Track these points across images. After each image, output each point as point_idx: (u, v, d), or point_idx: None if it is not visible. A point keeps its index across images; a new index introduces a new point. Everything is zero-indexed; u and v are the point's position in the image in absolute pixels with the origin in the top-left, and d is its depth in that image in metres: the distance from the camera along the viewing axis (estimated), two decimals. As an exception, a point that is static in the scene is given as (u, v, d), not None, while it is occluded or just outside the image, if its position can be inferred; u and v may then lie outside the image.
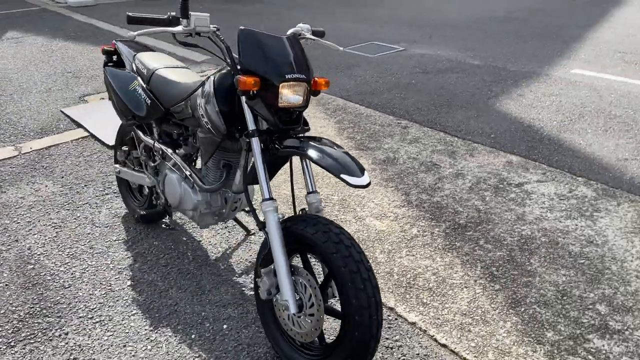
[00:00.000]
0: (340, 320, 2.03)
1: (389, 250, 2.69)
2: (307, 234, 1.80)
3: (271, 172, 2.03)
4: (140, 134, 2.65)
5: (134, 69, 2.62)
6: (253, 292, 2.45)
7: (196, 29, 1.96)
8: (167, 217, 2.81)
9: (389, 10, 9.51)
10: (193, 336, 2.20)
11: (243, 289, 2.49)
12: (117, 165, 2.97)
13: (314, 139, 1.90)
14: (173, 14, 2.03)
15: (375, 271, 2.53)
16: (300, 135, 1.96)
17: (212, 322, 2.28)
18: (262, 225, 1.96)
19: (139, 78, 2.54)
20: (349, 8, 9.84)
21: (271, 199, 1.89)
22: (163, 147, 2.48)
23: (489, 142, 3.94)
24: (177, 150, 2.46)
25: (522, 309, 2.30)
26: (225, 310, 2.35)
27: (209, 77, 2.13)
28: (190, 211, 2.39)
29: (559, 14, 8.74)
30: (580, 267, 2.55)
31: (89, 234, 2.88)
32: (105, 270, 2.61)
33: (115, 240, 2.84)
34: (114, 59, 2.83)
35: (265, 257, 1.99)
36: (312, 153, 1.80)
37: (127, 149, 2.90)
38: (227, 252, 2.77)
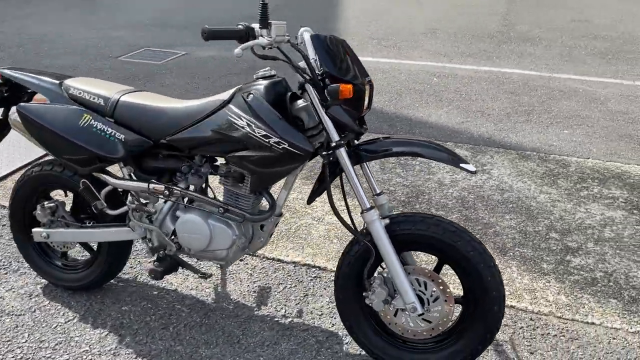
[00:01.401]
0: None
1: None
2: (428, 233, 1.84)
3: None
4: (112, 179, 2.16)
5: (69, 101, 2.11)
6: (293, 320, 2.31)
7: (276, 39, 1.76)
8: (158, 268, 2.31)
9: (127, 15, 8.96)
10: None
11: (275, 318, 2.31)
12: (40, 230, 2.33)
13: (388, 138, 1.93)
14: (244, 24, 1.76)
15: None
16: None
17: None
18: (357, 235, 1.90)
19: (88, 111, 2.07)
20: (81, 13, 8.90)
21: (372, 207, 1.86)
22: (158, 187, 2.08)
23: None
24: (178, 185, 2.10)
25: (511, 254, 2.73)
26: (282, 346, 2.17)
27: (235, 95, 1.91)
28: (224, 250, 2.10)
29: (296, 9, 9.58)
30: (514, 209, 3.12)
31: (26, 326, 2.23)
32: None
33: (68, 322, 2.27)
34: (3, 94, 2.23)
35: (371, 268, 1.94)
36: (420, 150, 1.84)
37: (52, 204, 2.31)
38: (218, 289, 2.49)
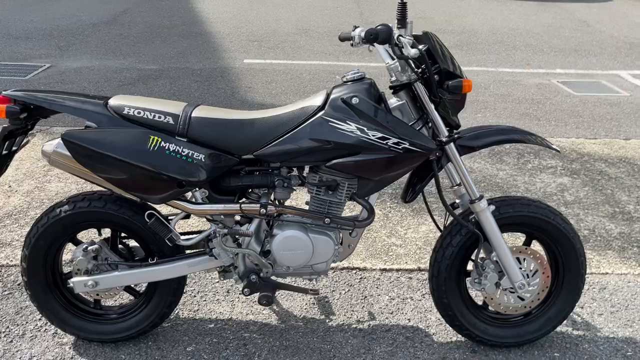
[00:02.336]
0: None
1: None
2: (534, 215, 2.00)
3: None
4: (190, 205, 1.91)
5: (124, 122, 1.85)
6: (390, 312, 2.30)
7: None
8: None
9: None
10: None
11: (351, 325, 2.30)
12: (83, 279, 1.98)
13: (476, 130, 2.04)
14: (382, 24, 1.72)
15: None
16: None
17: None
18: (468, 225, 1.97)
19: (154, 132, 1.83)
20: None
21: (482, 196, 1.96)
22: (252, 206, 1.91)
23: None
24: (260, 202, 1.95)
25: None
26: (378, 350, 2.17)
27: (330, 100, 1.85)
28: (324, 263, 2.01)
29: (155, 14, 9.01)
30: (489, 187, 3.44)
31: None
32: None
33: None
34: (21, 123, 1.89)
35: (485, 258, 2.03)
36: (516, 137, 1.98)
37: (95, 246, 1.99)
38: (275, 308, 2.37)
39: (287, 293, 2.44)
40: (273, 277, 2.09)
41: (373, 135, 1.82)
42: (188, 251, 2.07)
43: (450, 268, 2.05)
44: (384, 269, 2.65)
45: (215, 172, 1.87)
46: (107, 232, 2.11)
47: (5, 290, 2.43)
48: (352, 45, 2.13)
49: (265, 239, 2.00)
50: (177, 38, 7.23)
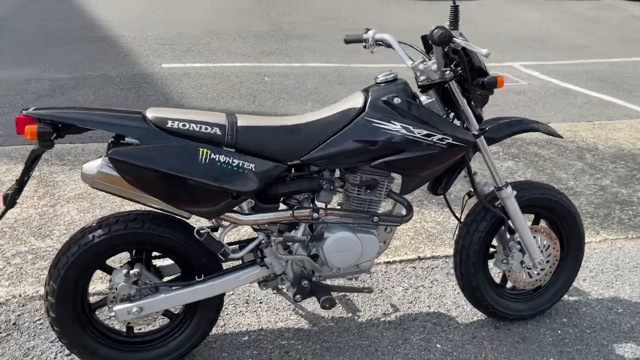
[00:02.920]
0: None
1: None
2: (545, 196, 2.21)
3: None
4: (242, 217, 1.86)
5: (168, 136, 1.77)
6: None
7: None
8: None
9: None
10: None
11: (380, 319, 2.38)
12: (128, 306, 1.85)
13: (495, 121, 2.21)
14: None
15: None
16: None
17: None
18: (497, 210, 2.13)
19: (202, 145, 1.78)
20: None
21: (508, 184, 2.12)
22: (304, 212, 1.91)
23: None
24: (300, 207, 1.96)
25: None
26: (413, 340, 2.28)
27: (369, 102, 1.91)
28: (370, 261, 2.06)
29: (44, 18, 8.23)
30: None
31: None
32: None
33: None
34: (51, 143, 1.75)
35: (509, 239, 2.20)
36: (535, 126, 2.17)
37: (135, 270, 1.88)
38: (300, 312, 2.37)
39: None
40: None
41: (419, 133, 1.90)
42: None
43: (478, 252, 2.20)
44: (388, 262, 2.75)
45: (266, 180, 1.84)
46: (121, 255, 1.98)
47: (1, 332, 2.17)
48: (364, 47, 2.21)
49: (310, 243, 2.01)
50: (79, 43, 6.74)
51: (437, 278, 2.65)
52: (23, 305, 2.33)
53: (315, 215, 1.92)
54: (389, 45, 2.13)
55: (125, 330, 2.01)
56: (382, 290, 2.54)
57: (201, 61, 6.33)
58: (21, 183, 1.75)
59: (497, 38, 8.34)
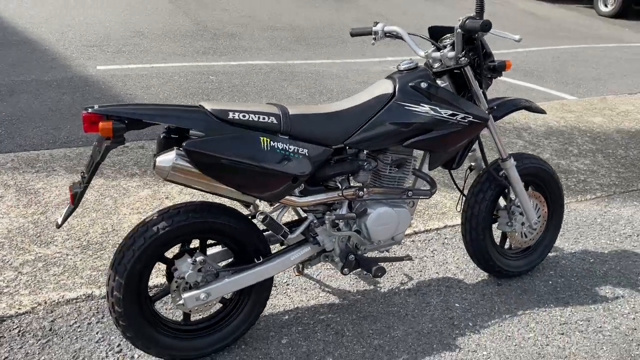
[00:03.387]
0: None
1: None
2: (536, 165, 2.54)
3: None
4: (298, 199, 2.00)
5: (230, 127, 1.88)
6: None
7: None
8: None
9: None
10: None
11: (404, 288, 2.61)
12: (196, 292, 1.94)
13: (494, 101, 2.50)
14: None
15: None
16: None
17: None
18: (502, 180, 2.42)
19: (262, 133, 1.91)
20: None
21: (511, 155, 2.43)
22: (349, 191, 2.09)
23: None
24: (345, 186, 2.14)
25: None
26: (451, 300, 2.54)
27: (399, 88, 2.12)
28: (402, 233, 2.27)
29: None
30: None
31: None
32: None
33: None
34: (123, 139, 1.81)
35: (511, 204, 2.50)
36: (526, 104, 2.49)
37: (200, 257, 1.97)
38: (326, 286, 2.55)
39: (318, 275, 2.62)
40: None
41: (445, 113, 2.14)
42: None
43: (485, 219, 2.48)
44: (389, 238, 2.98)
45: (318, 163, 1.98)
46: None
47: (40, 339, 2.13)
48: (374, 39, 2.41)
49: (353, 220, 2.19)
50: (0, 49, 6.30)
51: (435, 248, 2.92)
52: (52, 312, 2.28)
53: (360, 193, 2.10)
54: (397, 37, 2.34)
55: (182, 319, 2.07)
56: (392, 263, 2.77)
57: (137, 62, 6.18)
58: (89, 181, 1.76)
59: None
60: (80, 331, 2.19)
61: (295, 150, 1.93)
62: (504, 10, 11.73)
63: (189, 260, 1.93)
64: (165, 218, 1.88)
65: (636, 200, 3.60)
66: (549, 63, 7.52)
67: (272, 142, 1.89)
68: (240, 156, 1.82)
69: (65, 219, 1.82)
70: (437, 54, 2.24)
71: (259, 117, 1.90)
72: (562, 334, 2.34)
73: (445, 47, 2.25)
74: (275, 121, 1.92)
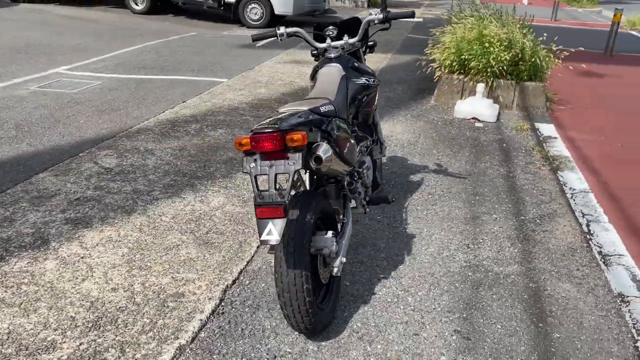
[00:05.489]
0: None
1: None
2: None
3: None
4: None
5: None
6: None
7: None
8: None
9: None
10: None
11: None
12: (341, 258, 2.33)
13: None
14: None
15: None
16: None
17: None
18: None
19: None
20: None
21: None
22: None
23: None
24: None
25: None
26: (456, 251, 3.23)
27: (342, 67, 2.77)
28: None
29: None
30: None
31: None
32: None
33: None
34: None
35: None
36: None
37: (333, 232, 2.35)
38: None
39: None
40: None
41: (373, 81, 2.93)
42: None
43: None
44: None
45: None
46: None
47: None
48: (280, 40, 2.84)
49: None
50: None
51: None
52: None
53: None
54: (299, 36, 2.83)
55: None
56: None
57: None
58: (297, 192, 1.85)
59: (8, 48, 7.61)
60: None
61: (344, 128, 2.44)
62: (51, 18, 11.07)
63: (330, 234, 2.23)
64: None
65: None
66: (163, 58, 7.93)
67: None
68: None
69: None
70: (340, 42, 2.88)
71: (324, 109, 2.31)
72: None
73: (334, 37, 2.91)
74: (333, 108, 2.36)
